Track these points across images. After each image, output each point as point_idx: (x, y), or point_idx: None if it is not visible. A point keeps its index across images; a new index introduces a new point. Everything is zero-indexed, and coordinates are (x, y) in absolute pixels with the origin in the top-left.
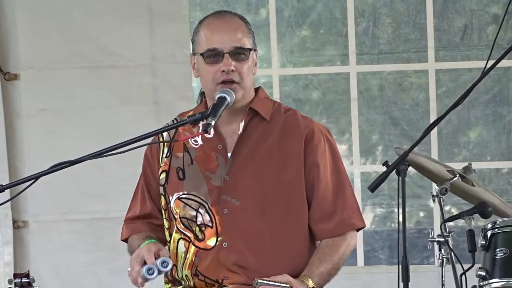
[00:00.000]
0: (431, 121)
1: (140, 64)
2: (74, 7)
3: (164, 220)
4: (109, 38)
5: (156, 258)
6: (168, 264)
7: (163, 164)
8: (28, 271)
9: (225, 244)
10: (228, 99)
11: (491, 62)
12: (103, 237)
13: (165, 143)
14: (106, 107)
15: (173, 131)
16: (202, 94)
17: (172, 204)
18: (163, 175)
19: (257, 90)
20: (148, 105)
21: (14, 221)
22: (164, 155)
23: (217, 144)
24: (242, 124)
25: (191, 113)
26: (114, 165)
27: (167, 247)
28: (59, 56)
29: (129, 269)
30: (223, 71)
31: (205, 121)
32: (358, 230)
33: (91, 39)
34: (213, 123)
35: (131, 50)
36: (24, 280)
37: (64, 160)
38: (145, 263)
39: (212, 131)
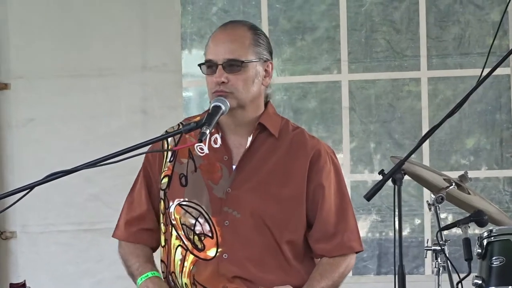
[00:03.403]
0: (423, 129)
1: (130, 73)
2: (65, 17)
3: (162, 224)
4: (99, 47)
5: None
6: None
7: (166, 169)
8: (25, 280)
9: (225, 255)
10: (223, 107)
11: (486, 70)
12: (87, 249)
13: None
14: (94, 117)
15: (178, 136)
16: None
17: (172, 210)
18: (165, 180)
19: (266, 104)
20: (137, 114)
21: (2, 232)
22: (168, 160)
23: (223, 155)
24: (250, 138)
25: (197, 118)
26: (98, 175)
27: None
28: (49, 65)
29: None
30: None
31: (200, 130)
32: (356, 253)
33: (81, 48)
34: (207, 132)
35: (122, 59)
36: None
37: (56, 171)
38: None
39: (219, 141)
